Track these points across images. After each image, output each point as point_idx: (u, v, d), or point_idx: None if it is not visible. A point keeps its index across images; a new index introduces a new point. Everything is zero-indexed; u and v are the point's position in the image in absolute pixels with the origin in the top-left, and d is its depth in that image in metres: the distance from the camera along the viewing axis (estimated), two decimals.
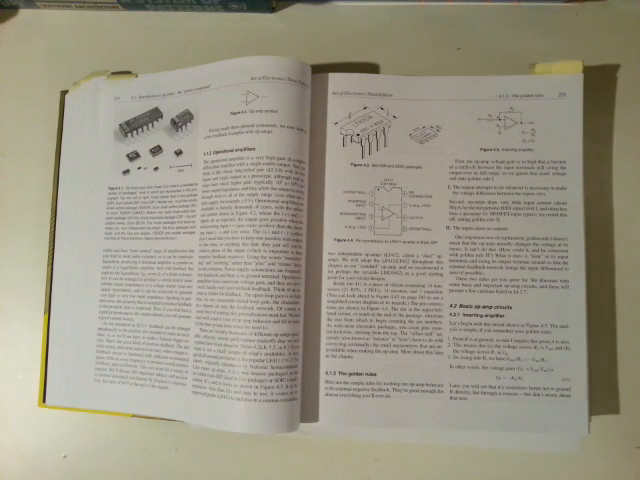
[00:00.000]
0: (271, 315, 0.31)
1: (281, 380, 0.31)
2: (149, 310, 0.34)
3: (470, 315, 0.33)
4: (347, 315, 0.33)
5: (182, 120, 0.35)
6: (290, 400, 0.31)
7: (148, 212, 0.35)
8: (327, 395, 0.32)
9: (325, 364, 0.33)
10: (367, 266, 0.33)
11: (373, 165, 0.34)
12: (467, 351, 0.32)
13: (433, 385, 0.32)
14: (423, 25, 0.38)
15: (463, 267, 0.33)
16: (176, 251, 0.34)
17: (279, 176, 0.32)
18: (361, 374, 0.32)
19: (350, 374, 0.32)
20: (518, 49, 0.37)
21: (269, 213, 0.31)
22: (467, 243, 0.33)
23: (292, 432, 0.31)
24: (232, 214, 0.32)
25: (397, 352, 0.32)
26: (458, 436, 0.33)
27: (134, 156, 0.36)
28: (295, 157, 0.32)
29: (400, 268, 0.33)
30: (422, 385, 0.32)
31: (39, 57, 0.40)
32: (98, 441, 0.36)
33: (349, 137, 0.34)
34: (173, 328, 0.33)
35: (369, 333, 0.33)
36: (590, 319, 0.32)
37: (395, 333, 0.33)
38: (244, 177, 0.32)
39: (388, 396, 0.32)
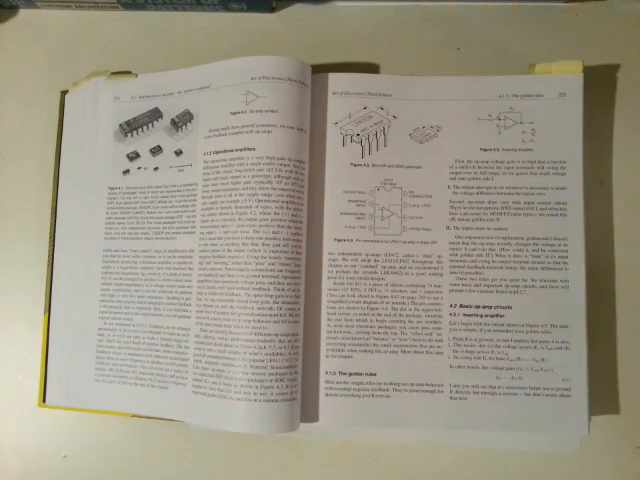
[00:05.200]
0: (271, 315, 0.31)
1: (281, 380, 0.31)
2: (149, 310, 0.34)
3: (470, 315, 0.33)
4: (347, 315, 0.33)
5: (182, 120, 0.35)
6: (290, 400, 0.31)
7: (148, 212, 0.35)
8: (327, 395, 0.32)
9: (325, 364, 0.33)
10: (367, 266, 0.33)
11: (373, 165, 0.34)
12: (467, 351, 0.32)
13: (433, 385, 0.32)
14: (423, 25, 0.38)
15: (463, 267, 0.33)
16: (176, 251, 0.34)
17: (279, 176, 0.32)
18: (361, 374, 0.32)
19: (350, 374, 0.32)
20: (518, 49, 0.37)
21: (269, 213, 0.31)
22: (467, 243, 0.33)
23: (292, 432, 0.31)
24: (232, 214, 0.32)
25: (397, 352, 0.32)
26: (458, 436, 0.33)
27: (134, 156, 0.36)
28: (295, 157, 0.32)
29: (400, 268, 0.33)
30: (422, 385, 0.32)
31: (39, 57, 0.40)
32: (98, 441, 0.36)
33: (349, 137, 0.34)
34: (173, 328, 0.33)
35: (369, 333, 0.33)
36: (590, 319, 0.32)
37: (395, 333, 0.33)
38: (244, 177, 0.32)
39: (388, 396, 0.32)
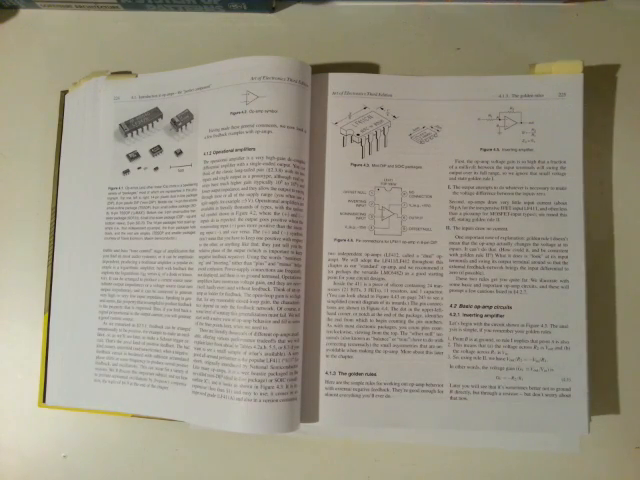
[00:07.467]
0: (271, 315, 0.31)
1: (281, 380, 0.31)
2: (149, 310, 0.34)
3: (470, 315, 0.33)
4: (347, 315, 0.33)
5: (182, 120, 0.35)
6: (290, 400, 0.31)
7: (148, 212, 0.35)
8: (327, 395, 0.32)
9: (325, 364, 0.33)
10: (367, 266, 0.33)
11: (373, 165, 0.34)
12: (467, 351, 0.32)
13: (433, 385, 0.32)
14: (423, 25, 0.38)
15: (463, 267, 0.33)
16: (176, 251, 0.34)
17: (279, 176, 0.32)
18: (361, 374, 0.32)
19: (350, 374, 0.32)
20: (518, 49, 0.37)
21: (269, 213, 0.31)
22: (467, 243, 0.33)
23: (292, 432, 0.31)
24: (232, 214, 0.32)
25: (397, 352, 0.32)
26: (458, 436, 0.33)
27: (134, 156, 0.36)
28: (295, 157, 0.32)
29: (400, 268, 0.33)
30: (422, 385, 0.32)
31: (39, 57, 0.40)
32: (98, 441, 0.36)
33: (349, 137, 0.34)
34: (173, 328, 0.33)
35: (369, 333, 0.33)
36: (590, 319, 0.32)
37: (395, 333, 0.33)
38: (244, 177, 0.32)
39: (388, 396, 0.32)
